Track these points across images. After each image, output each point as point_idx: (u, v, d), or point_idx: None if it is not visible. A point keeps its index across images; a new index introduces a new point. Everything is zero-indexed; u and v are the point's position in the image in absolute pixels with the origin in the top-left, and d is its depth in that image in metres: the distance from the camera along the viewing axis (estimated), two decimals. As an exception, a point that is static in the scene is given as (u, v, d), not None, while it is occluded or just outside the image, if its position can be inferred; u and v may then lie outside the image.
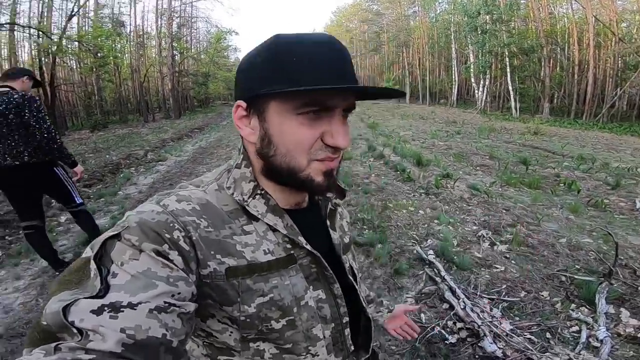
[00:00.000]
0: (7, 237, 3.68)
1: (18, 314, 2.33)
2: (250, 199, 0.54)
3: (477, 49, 19.53)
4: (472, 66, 20.53)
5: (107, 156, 8.12)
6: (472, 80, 21.09)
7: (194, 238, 0.47)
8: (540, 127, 11.98)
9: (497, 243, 3.16)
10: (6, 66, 15.80)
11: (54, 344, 0.35)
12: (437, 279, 2.47)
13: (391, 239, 3.28)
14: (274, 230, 0.55)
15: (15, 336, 2.12)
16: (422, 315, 2.13)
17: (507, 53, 17.75)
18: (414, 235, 3.39)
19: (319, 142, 0.51)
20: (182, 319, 0.42)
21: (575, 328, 1.98)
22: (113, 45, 14.86)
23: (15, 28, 12.50)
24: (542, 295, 2.32)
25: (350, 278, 0.66)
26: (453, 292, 2.23)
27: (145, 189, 5.58)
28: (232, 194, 0.55)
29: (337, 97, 0.50)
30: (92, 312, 0.37)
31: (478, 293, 2.28)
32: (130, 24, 22.74)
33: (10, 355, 1.98)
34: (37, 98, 2.60)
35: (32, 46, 14.09)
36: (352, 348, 0.64)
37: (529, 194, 4.73)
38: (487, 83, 19.57)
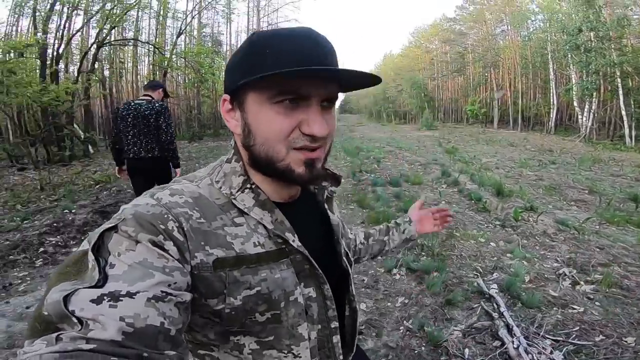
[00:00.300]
0: (101, 226, 4.37)
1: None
2: (239, 192, 0.55)
3: (580, 69, 17.29)
4: (574, 88, 18.20)
5: (197, 165, 9.14)
6: (575, 103, 18.67)
7: (185, 229, 0.48)
8: (663, 159, 10.02)
9: (581, 282, 2.72)
10: (129, 77, 18.93)
11: (55, 334, 0.36)
12: (495, 314, 2.22)
13: (450, 269, 3.05)
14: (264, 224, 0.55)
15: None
16: (466, 350, 1.92)
17: (618, 73, 15.36)
18: (478, 267, 3.10)
19: (297, 131, 0.52)
20: (179, 308, 0.43)
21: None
22: (211, 63, 16.37)
23: (138, 44, 14.69)
24: (625, 341, 1.95)
25: (345, 261, 0.66)
26: (509, 330, 1.98)
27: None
28: (220, 188, 0.56)
29: (311, 85, 0.51)
30: (92, 301, 0.38)
31: (541, 333, 1.98)
32: (225, 43, 24.56)
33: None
34: (169, 108, 3.33)
35: (150, 60, 16.43)
36: (341, 358, 0.62)
37: (635, 233, 3.98)
38: (593, 107, 17.12)
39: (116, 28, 11.89)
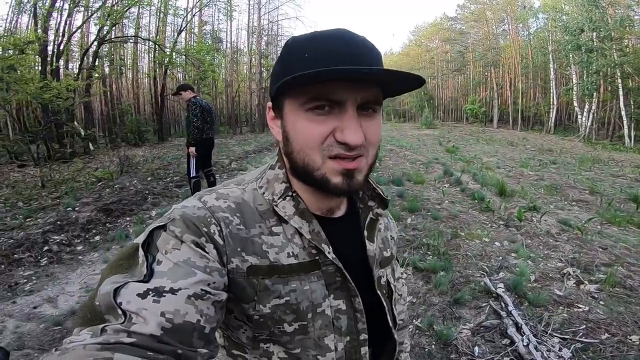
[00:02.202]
0: (107, 224, 4.33)
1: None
2: (280, 200, 0.55)
3: (581, 69, 17.29)
4: (574, 88, 18.21)
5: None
6: (575, 104, 18.68)
7: (225, 233, 0.50)
8: (663, 159, 10.06)
9: (585, 282, 2.75)
10: (129, 75, 18.93)
11: (101, 326, 0.37)
12: (503, 313, 2.24)
13: (457, 268, 3.07)
14: (301, 234, 0.54)
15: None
16: (476, 348, 1.94)
17: (619, 74, 15.36)
18: (484, 267, 3.12)
19: (331, 138, 0.49)
20: (215, 307, 0.45)
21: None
22: (212, 60, 16.49)
23: (139, 41, 14.77)
24: (630, 340, 1.99)
25: (379, 293, 0.62)
26: (518, 328, 2.00)
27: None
28: (264, 193, 0.56)
29: (345, 89, 0.47)
30: (138, 295, 0.40)
31: (549, 332, 2.01)
32: (226, 41, 24.87)
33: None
34: None
35: (150, 57, 16.61)
36: None
37: (637, 234, 4.01)
38: (593, 107, 17.15)
39: (117, 25, 11.85)
